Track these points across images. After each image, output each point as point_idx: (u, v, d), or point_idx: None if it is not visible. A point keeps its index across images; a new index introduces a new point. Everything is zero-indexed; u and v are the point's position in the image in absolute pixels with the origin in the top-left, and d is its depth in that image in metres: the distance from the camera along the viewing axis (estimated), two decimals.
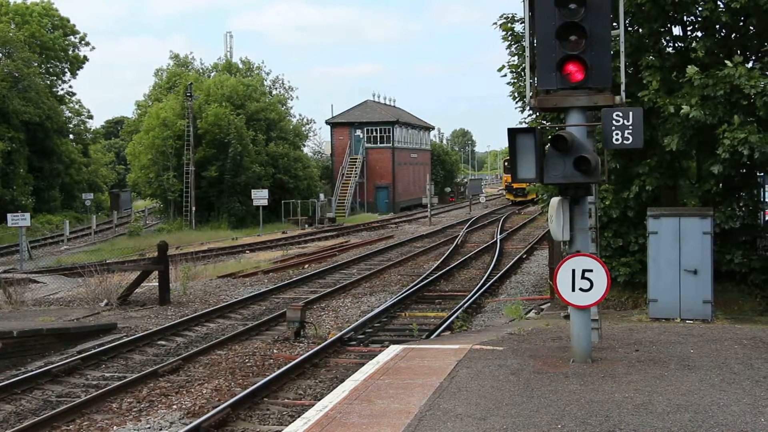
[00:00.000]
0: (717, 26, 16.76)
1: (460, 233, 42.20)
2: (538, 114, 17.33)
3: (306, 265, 32.39)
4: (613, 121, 10.22)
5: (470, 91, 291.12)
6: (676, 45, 17.86)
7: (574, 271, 10.63)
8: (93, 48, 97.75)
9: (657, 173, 17.06)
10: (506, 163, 79.19)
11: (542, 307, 19.36)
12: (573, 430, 8.09)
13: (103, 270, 25.34)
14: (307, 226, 55.77)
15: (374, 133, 75.72)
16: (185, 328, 19.25)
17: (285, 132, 67.61)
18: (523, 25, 13.51)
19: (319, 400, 10.59)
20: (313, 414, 9.04)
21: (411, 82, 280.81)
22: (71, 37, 75.22)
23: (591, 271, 10.59)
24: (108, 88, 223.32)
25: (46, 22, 71.14)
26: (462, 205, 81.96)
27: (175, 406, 12.60)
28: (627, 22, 16.72)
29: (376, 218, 62.27)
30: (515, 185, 70.68)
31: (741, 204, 17.64)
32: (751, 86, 14.70)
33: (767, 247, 16.96)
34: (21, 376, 14.49)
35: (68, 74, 76.36)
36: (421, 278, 26.10)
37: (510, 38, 18.95)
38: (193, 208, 56.88)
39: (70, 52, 75.03)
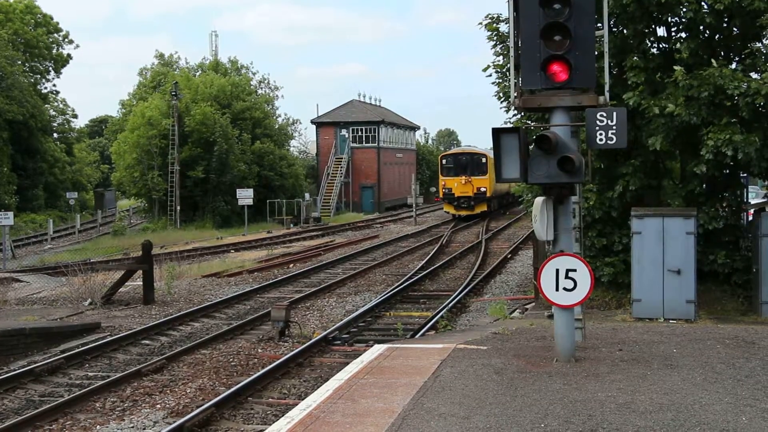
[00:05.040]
0: (701, 27, 16.83)
1: (446, 233, 42.26)
2: (522, 114, 17.41)
3: (291, 265, 32.34)
4: (597, 121, 10.28)
5: (456, 91, 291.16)
6: (661, 46, 17.94)
7: (558, 270, 10.67)
8: (77, 46, 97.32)
9: (641, 173, 17.14)
10: (444, 162, 56.62)
11: (527, 306, 19.41)
12: (556, 429, 8.12)
13: (87, 269, 25.23)
14: (292, 225, 55.69)
15: (360, 133, 75.65)
16: (169, 328, 19.18)
17: (270, 130, 67.54)
18: (508, 25, 13.53)
19: (303, 399, 10.58)
20: (297, 413, 9.04)
21: (397, 82, 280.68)
22: (54, 34, 74.78)
23: (575, 270, 10.64)
24: (92, 87, 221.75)
25: (29, 19, 70.65)
26: None
27: (158, 406, 12.55)
28: (611, 22, 16.79)
29: (362, 218, 62.25)
30: (458, 193, 53.77)
31: (724, 204, 17.73)
32: (735, 87, 14.80)
33: (750, 248, 17.04)
34: (3, 376, 14.39)
35: (52, 73, 75.93)
36: (406, 278, 26.12)
37: (495, 38, 18.99)
38: (178, 208, 56.72)
39: (54, 51, 74.58)
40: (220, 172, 57.95)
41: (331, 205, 68.22)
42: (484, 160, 54.26)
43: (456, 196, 53.88)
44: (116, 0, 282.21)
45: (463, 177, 53.68)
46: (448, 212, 56.02)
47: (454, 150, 66.22)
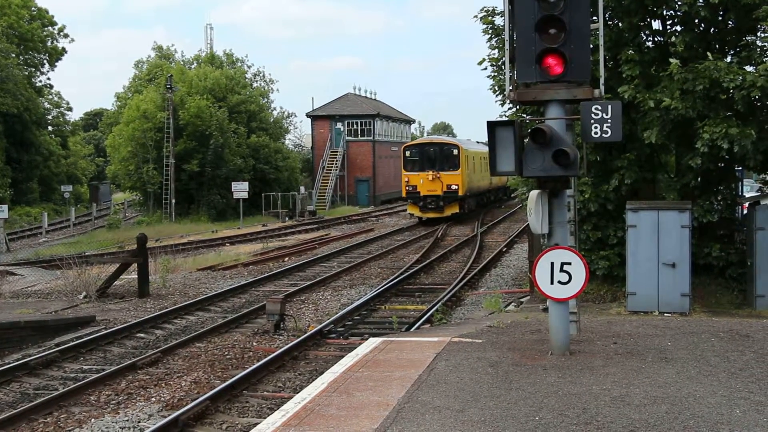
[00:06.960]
0: (696, 21, 16.84)
1: (441, 227, 42.20)
2: (518, 107, 17.39)
3: (286, 258, 32.32)
4: (592, 115, 10.27)
5: (451, 85, 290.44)
6: (656, 39, 17.93)
7: (552, 263, 10.67)
8: (72, 40, 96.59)
9: (636, 167, 17.15)
10: (408, 154, 46.65)
11: (522, 300, 19.42)
12: (551, 422, 8.13)
13: (81, 262, 25.18)
14: (287, 219, 55.67)
15: (355, 126, 75.50)
16: (164, 321, 19.16)
17: (265, 123, 67.51)
18: (503, 18, 13.51)
19: (298, 392, 10.59)
20: (292, 406, 9.04)
21: (392, 76, 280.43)
22: (49, 28, 74.52)
23: (569, 264, 10.64)
24: (87, 80, 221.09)
25: (24, 13, 70.40)
26: None
27: (153, 399, 12.54)
28: (606, 15, 16.77)
29: (357, 211, 62.23)
30: (425, 191, 44.86)
31: (719, 198, 17.77)
32: (730, 80, 14.80)
33: (745, 241, 17.07)
34: None
35: (47, 66, 75.73)
36: (401, 271, 26.11)
37: (491, 31, 18.96)
38: (173, 201, 56.67)
39: (49, 44, 74.34)
40: (215, 165, 57.92)
41: (326, 199, 68.19)
42: (456, 152, 45.95)
43: (422, 195, 44.96)
44: None
45: (431, 172, 45.03)
46: (412, 214, 46.80)
47: (419, 140, 56.27)
